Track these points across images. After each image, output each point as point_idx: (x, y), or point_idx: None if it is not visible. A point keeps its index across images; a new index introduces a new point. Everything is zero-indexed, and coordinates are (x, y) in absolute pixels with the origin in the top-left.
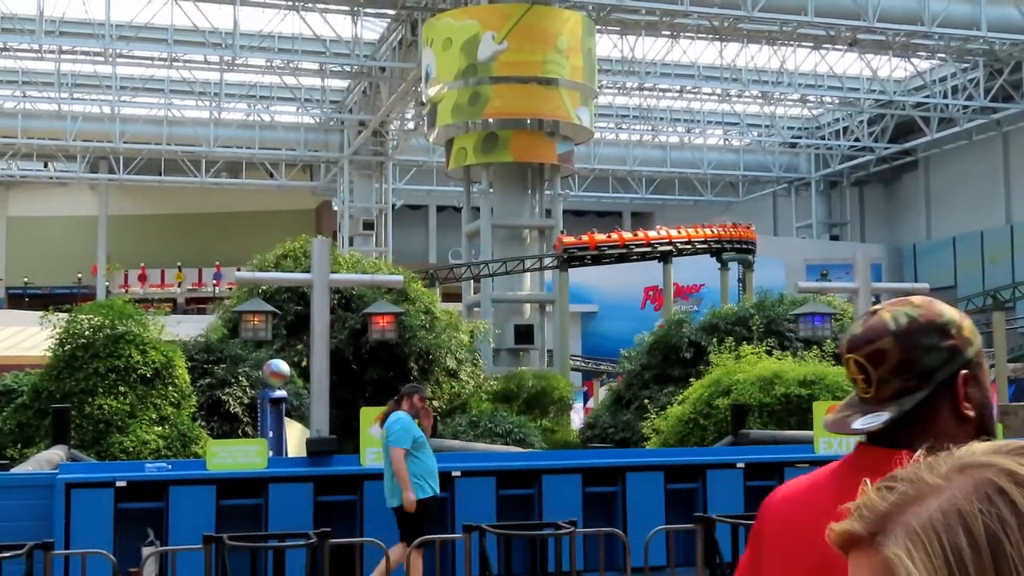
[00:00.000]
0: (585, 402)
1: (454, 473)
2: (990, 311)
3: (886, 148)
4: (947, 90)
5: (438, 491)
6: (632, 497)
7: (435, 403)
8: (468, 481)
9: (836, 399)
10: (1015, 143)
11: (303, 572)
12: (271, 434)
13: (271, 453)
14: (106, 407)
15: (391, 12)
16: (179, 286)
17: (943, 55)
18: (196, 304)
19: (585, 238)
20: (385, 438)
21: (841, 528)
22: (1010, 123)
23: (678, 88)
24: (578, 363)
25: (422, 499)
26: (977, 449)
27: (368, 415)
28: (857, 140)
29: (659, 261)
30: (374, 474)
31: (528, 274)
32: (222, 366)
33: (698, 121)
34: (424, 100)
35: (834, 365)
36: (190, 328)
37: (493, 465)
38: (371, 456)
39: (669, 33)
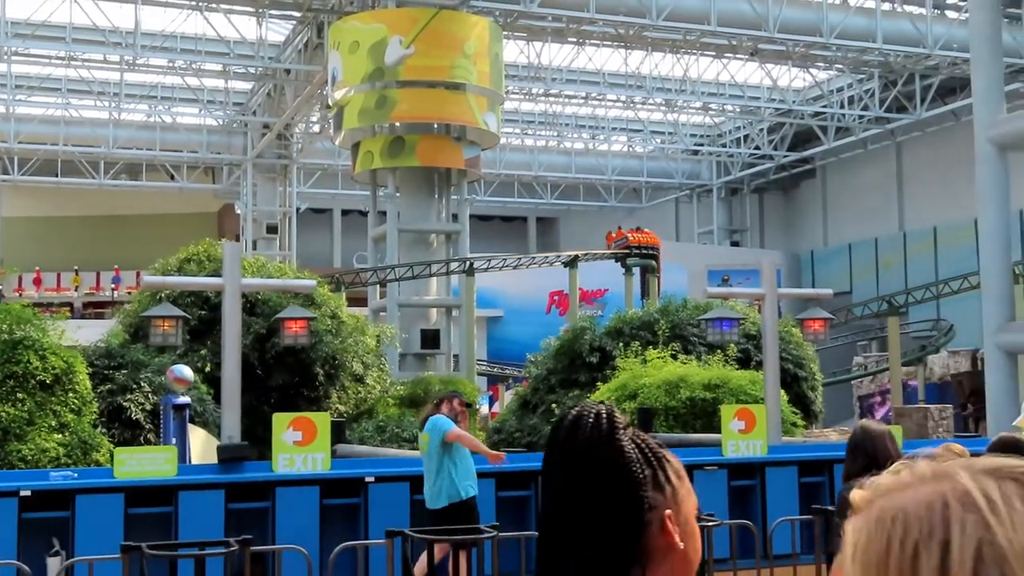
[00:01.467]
0: (491, 406)
1: (367, 479)
2: (884, 316)
3: (785, 156)
4: (844, 100)
5: (477, 492)
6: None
7: (340, 408)
8: (381, 487)
9: (740, 402)
10: (908, 152)
11: None
12: (174, 441)
13: None
14: (3, 414)
15: (296, 14)
16: (76, 290)
17: (840, 66)
18: (94, 308)
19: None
20: (428, 440)
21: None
22: (903, 133)
23: (583, 95)
24: (484, 368)
25: (465, 500)
26: (960, 460)
27: (281, 421)
28: (757, 148)
29: (564, 266)
30: (286, 481)
31: (434, 279)
32: (123, 372)
33: (603, 128)
34: (330, 103)
35: (738, 369)
36: (90, 333)
37: (407, 470)
38: (283, 462)
39: (575, 40)
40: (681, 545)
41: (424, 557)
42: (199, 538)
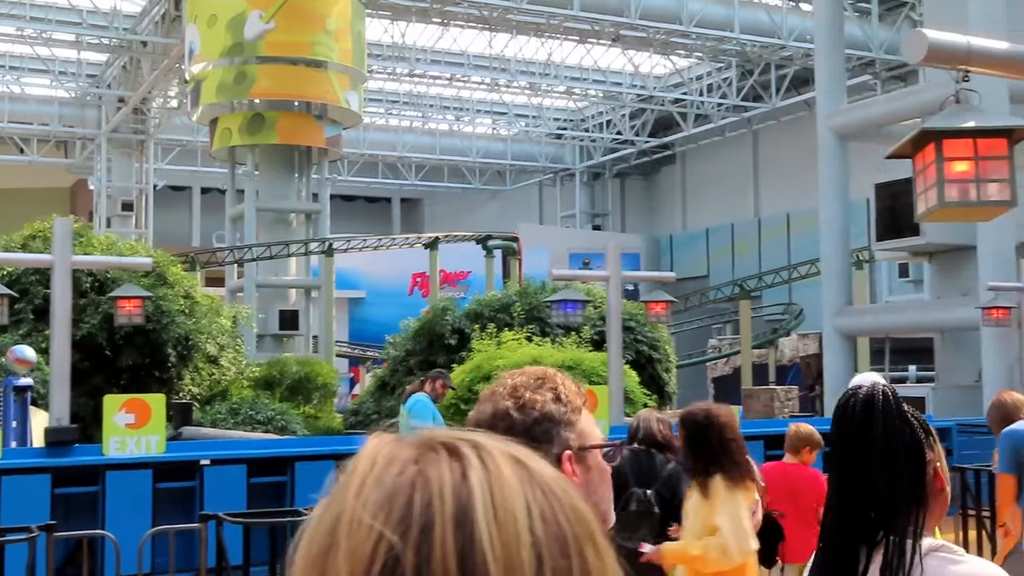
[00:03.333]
0: (351, 388)
1: (202, 462)
2: (738, 300)
3: (646, 142)
4: (703, 88)
5: None
6: None
7: (194, 390)
8: (217, 470)
9: (592, 383)
10: (764, 141)
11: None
12: (15, 424)
13: (14, 444)
14: None
15: None
16: None
17: (700, 54)
18: None
19: None
20: (406, 417)
21: None
22: (759, 121)
23: (448, 76)
24: (344, 349)
25: None
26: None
27: (112, 403)
28: (619, 133)
29: (426, 248)
30: (117, 464)
31: (294, 259)
32: None
33: (467, 109)
34: (187, 78)
35: (591, 351)
36: None
37: (243, 453)
38: (114, 445)
39: (440, 21)
40: (947, 489)
41: None
42: (23, 523)
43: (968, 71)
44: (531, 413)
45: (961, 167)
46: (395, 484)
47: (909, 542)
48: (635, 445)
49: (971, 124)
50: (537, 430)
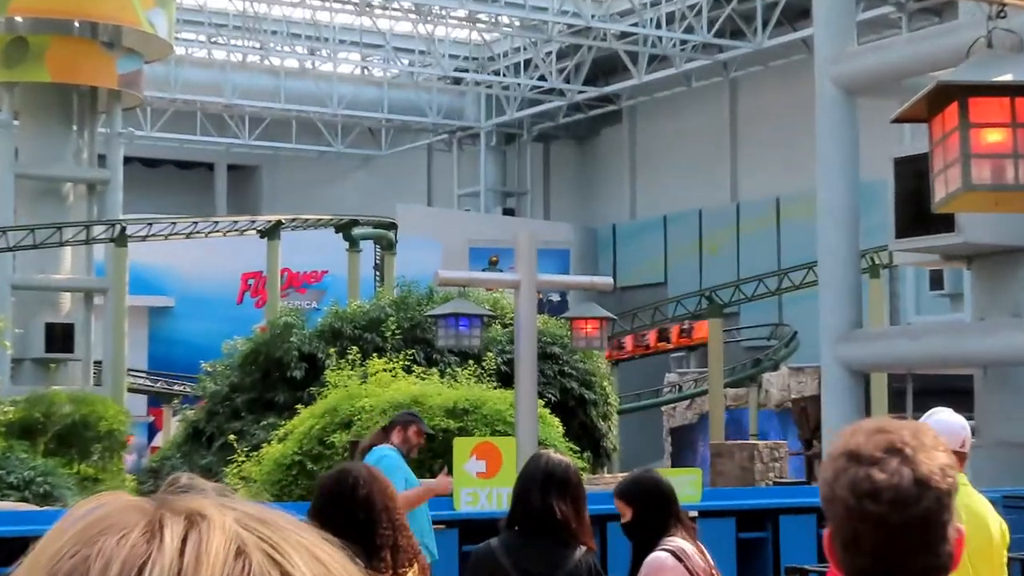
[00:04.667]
0: (151, 439)
1: None
2: (706, 317)
3: (581, 92)
4: (660, 18)
5: (436, 555)
6: None
7: None
8: None
9: (496, 433)
10: (746, 94)
11: None
12: None
13: None
14: None
15: None
16: None
17: None
18: None
19: None
20: None
21: None
22: (739, 67)
23: None
24: (141, 381)
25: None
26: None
27: None
28: (543, 79)
29: (263, 237)
30: None
31: (68, 249)
32: None
33: (326, 39)
34: None
35: (498, 387)
36: None
37: None
38: None
39: None
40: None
41: None
42: None
43: (1006, 4)
44: None
45: (994, 136)
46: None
47: None
48: (515, 528)
49: (1007, 77)
50: None
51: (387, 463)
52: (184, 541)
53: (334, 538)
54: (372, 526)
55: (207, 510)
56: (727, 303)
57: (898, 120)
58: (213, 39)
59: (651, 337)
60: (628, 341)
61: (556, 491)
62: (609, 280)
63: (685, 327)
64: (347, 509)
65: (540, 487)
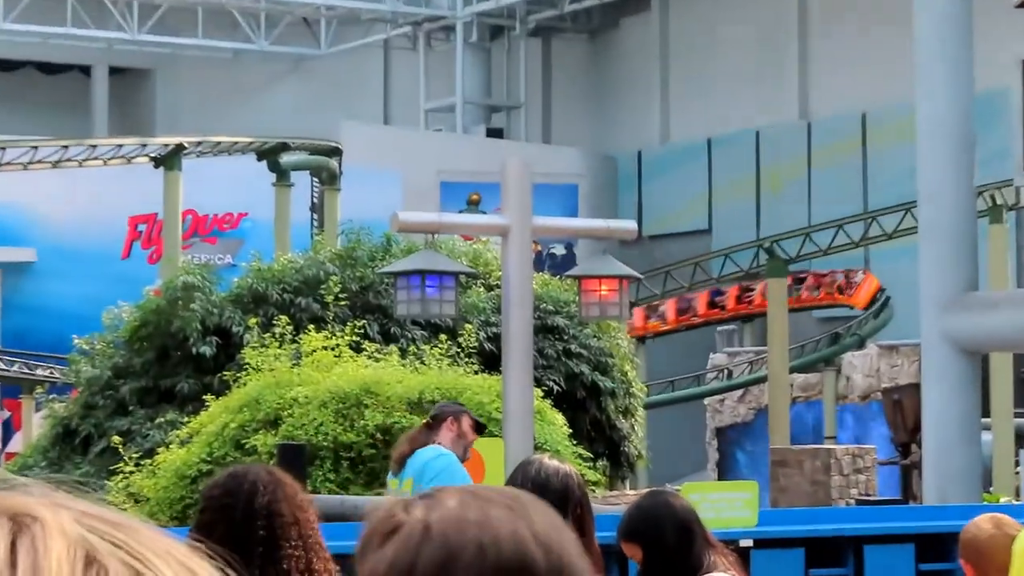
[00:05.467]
0: (6, 441)
1: None
2: (766, 277)
3: None
4: None
5: None
6: None
7: None
8: None
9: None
10: None
11: None
12: None
13: None
14: None
15: None
16: None
17: None
18: None
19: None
20: (414, 489)
21: None
22: None
23: None
24: None
25: None
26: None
27: None
28: None
29: (158, 166)
30: None
31: None
32: None
33: None
34: None
35: (479, 371)
36: None
37: None
38: None
39: None
40: None
41: None
42: None
43: None
44: None
45: None
46: None
47: None
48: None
49: None
50: None
51: (452, 468)
52: (13, 549)
53: (210, 551)
54: (276, 546)
55: (35, 509)
56: (793, 258)
57: None
58: None
59: (699, 303)
60: (669, 308)
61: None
62: (632, 225)
63: (748, 289)
64: (242, 524)
65: None
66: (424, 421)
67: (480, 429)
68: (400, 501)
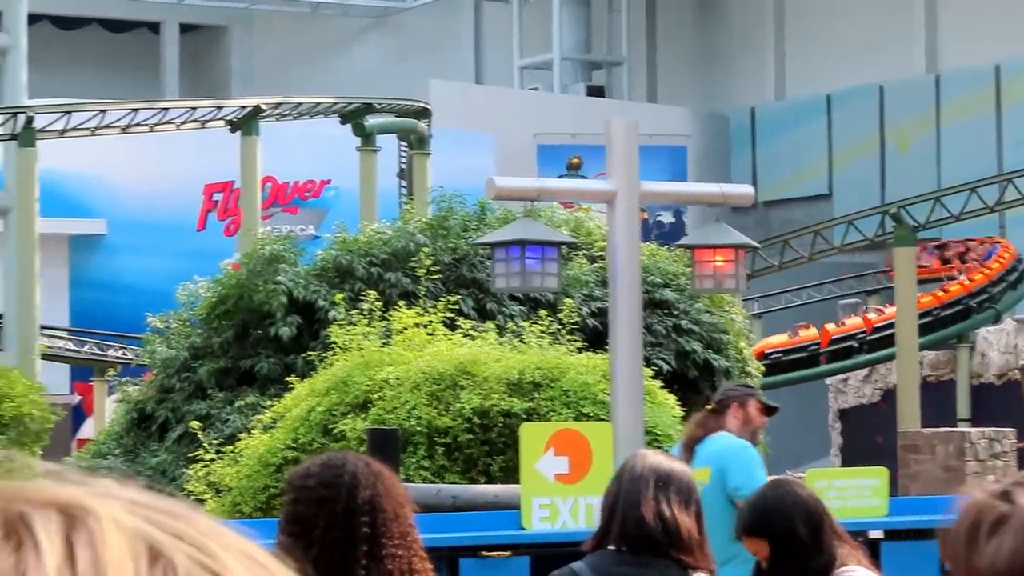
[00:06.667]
0: (77, 427)
1: None
2: (893, 246)
3: None
4: None
5: None
6: None
7: None
8: None
9: (581, 417)
10: None
11: None
12: None
13: None
14: None
15: None
16: None
17: None
18: None
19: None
20: (708, 487)
21: None
22: None
23: None
24: (61, 344)
25: None
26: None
27: None
28: None
29: (234, 131)
30: None
31: None
32: None
33: None
34: None
35: (583, 349)
36: None
37: None
38: None
39: None
40: None
41: None
42: None
43: None
44: None
45: None
46: None
47: None
48: (611, 547)
49: None
50: None
51: (740, 452)
52: (70, 544)
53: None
54: (378, 544)
55: (84, 500)
56: (922, 225)
57: None
58: None
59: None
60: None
61: (676, 496)
62: (748, 190)
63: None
64: (344, 520)
65: (653, 489)
66: (709, 408)
67: (770, 411)
68: (992, 490)
